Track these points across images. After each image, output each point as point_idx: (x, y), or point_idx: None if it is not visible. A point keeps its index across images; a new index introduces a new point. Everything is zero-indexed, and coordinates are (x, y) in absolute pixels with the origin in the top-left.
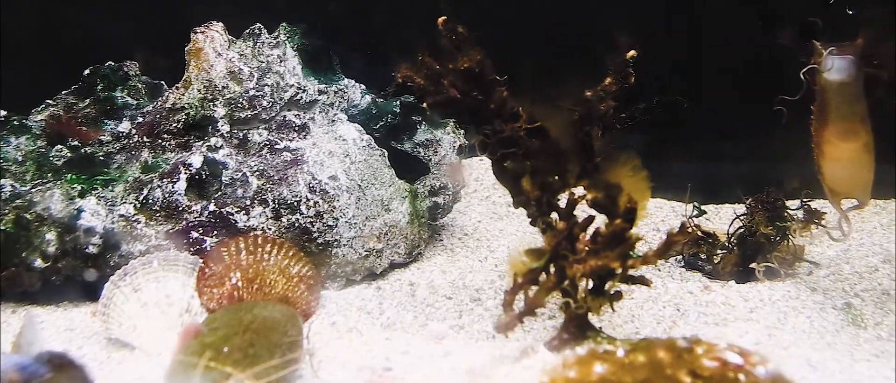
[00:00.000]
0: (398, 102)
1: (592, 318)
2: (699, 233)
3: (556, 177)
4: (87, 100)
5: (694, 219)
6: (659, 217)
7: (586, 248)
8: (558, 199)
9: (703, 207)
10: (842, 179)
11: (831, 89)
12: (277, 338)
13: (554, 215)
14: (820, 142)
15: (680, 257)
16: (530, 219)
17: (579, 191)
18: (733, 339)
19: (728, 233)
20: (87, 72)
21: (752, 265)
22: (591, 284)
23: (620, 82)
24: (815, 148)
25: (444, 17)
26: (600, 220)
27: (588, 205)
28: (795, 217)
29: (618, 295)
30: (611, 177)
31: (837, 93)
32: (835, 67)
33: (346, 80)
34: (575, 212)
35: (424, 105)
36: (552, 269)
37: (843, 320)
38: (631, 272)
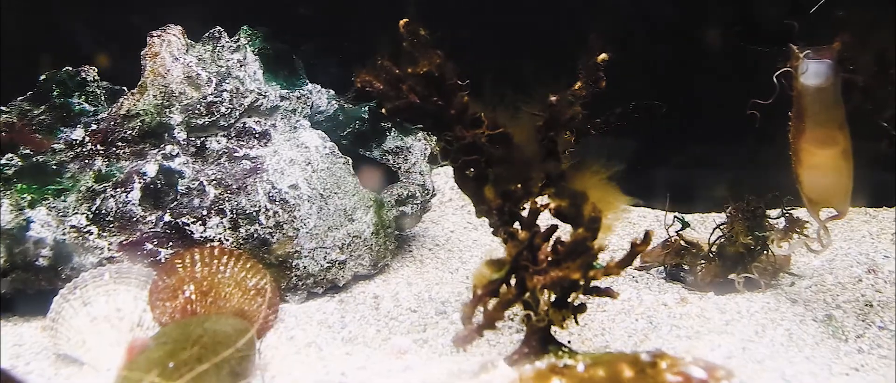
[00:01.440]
0: (367, 108)
1: (563, 332)
2: (682, 243)
3: (520, 186)
4: (43, 107)
5: (676, 229)
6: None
7: (548, 259)
8: (523, 208)
9: (689, 216)
10: (820, 187)
11: (808, 94)
12: (228, 353)
13: (517, 225)
14: (797, 150)
15: (662, 268)
16: (492, 229)
17: (544, 199)
18: (704, 353)
19: (708, 243)
20: (42, 77)
21: (732, 276)
22: (553, 297)
23: (591, 86)
24: (793, 155)
25: (405, 20)
26: (567, 231)
27: (551, 215)
28: (775, 226)
29: (582, 308)
30: (578, 184)
31: (814, 98)
32: (811, 71)
33: (310, 84)
34: (540, 222)
35: (383, 110)
36: (513, 281)
37: (824, 332)
38: (596, 283)
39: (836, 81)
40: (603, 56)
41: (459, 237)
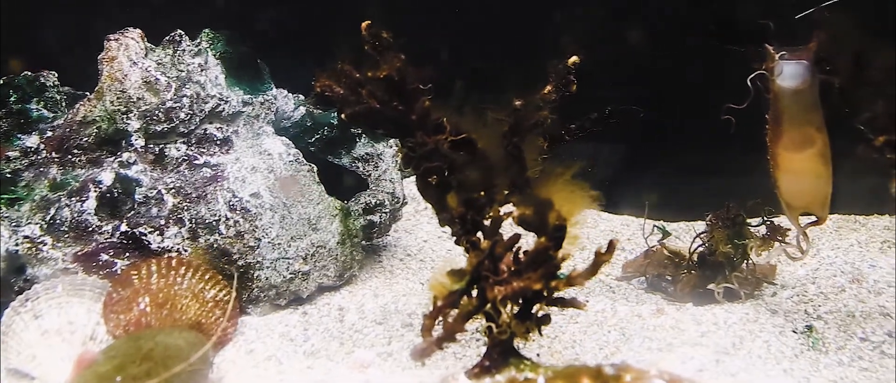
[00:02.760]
0: (336, 113)
1: (532, 344)
2: (665, 252)
3: (483, 193)
4: (0, 113)
5: (658, 238)
6: (625, 235)
7: (510, 269)
8: (487, 217)
9: (676, 224)
10: (799, 193)
11: (785, 97)
12: (179, 368)
13: (481, 234)
14: (775, 154)
15: (643, 278)
16: (455, 238)
17: (508, 207)
18: (674, 366)
19: (688, 253)
20: None
21: (711, 286)
22: (516, 308)
23: (561, 90)
24: (770, 160)
25: (367, 22)
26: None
27: (514, 223)
28: (756, 234)
29: (546, 320)
30: (544, 192)
31: (791, 100)
32: (787, 73)
33: (274, 89)
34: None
35: (342, 116)
36: (475, 292)
37: (804, 344)
38: (561, 294)
39: (813, 83)
40: (574, 59)
41: (433, 247)
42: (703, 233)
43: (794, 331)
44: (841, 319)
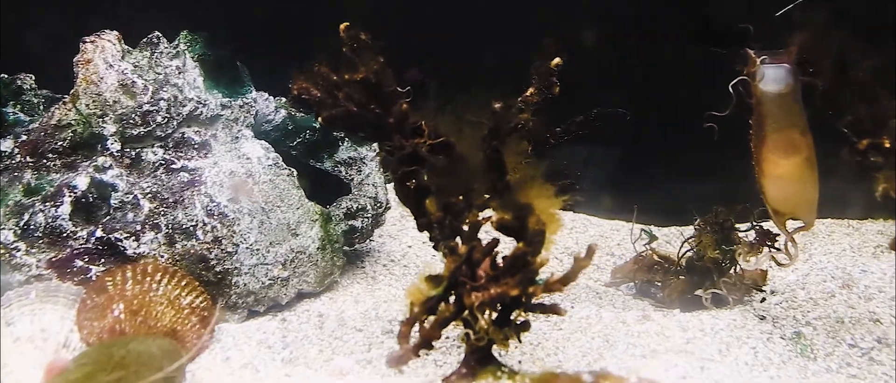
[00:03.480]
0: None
1: (513, 351)
2: (655, 257)
3: (461, 198)
4: None
5: (647, 243)
6: (615, 240)
7: (487, 275)
8: (466, 221)
9: (669, 229)
10: (785, 198)
11: (768, 101)
12: (151, 375)
13: (459, 239)
14: (759, 159)
15: (632, 284)
16: (433, 244)
17: (488, 212)
18: (657, 373)
19: (677, 258)
20: None
21: (699, 292)
22: (495, 314)
23: (544, 93)
24: (755, 165)
25: (345, 24)
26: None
27: (493, 228)
28: (744, 239)
29: (525, 326)
30: (524, 196)
31: (774, 105)
32: (769, 77)
33: (254, 92)
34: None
35: (319, 119)
36: (452, 298)
37: (791, 351)
38: (541, 300)
39: (795, 86)
40: (556, 61)
41: (417, 253)
42: (691, 238)
43: (782, 338)
44: (830, 325)
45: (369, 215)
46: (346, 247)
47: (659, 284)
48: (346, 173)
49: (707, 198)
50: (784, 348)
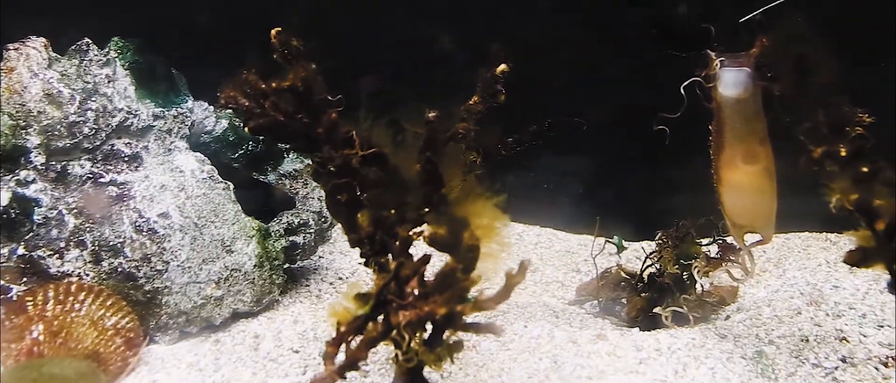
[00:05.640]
0: None
1: (456, 373)
2: (622, 274)
3: (393, 212)
4: None
5: (615, 255)
6: (582, 256)
7: (416, 292)
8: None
9: (638, 244)
10: (742, 209)
11: (727, 106)
12: None
13: (391, 256)
14: (718, 167)
15: (596, 302)
16: (364, 261)
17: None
18: None
19: (639, 273)
20: None
21: (657, 310)
22: (426, 334)
23: (488, 101)
24: (714, 174)
25: (277, 29)
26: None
27: (426, 243)
28: (705, 253)
29: (457, 346)
30: (461, 210)
31: (733, 110)
32: (728, 81)
33: (192, 102)
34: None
35: (246, 129)
36: (381, 317)
37: (752, 371)
38: (476, 320)
39: (755, 91)
40: (502, 67)
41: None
42: (653, 252)
43: (743, 357)
44: (794, 344)
45: (312, 230)
46: (287, 265)
47: (624, 301)
48: (292, 186)
49: (679, 212)
50: (744, 368)
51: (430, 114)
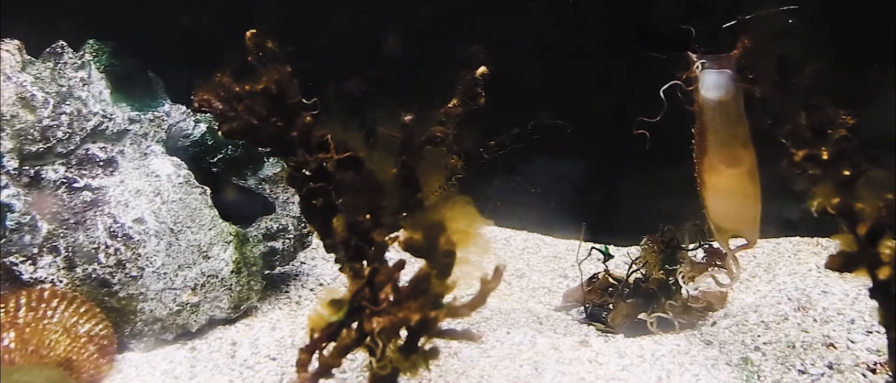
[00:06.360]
0: None
1: (436, 380)
2: (610, 279)
3: (368, 216)
4: None
5: (603, 260)
6: (569, 261)
7: (390, 298)
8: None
9: (626, 249)
10: (726, 213)
11: (708, 109)
12: None
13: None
14: (700, 171)
15: (583, 308)
16: (339, 267)
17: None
18: None
19: (625, 279)
20: None
21: (642, 316)
22: (401, 340)
23: (468, 104)
24: (697, 178)
25: (252, 31)
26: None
27: (401, 248)
28: (691, 259)
29: (433, 353)
30: (437, 215)
31: (715, 113)
32: (709, 83)
33: (169, 105)
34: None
35: (220, 133)
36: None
37: (737, 378)
38: (452, 326)
39: (737, 94)
40: (482, 69)
41: None
42: (638, 258)
43: (728, 364)
44: (780, 350)
45: (292, 236)
46: (266, 270)
47: (612, 308)
48: (272, 191)
49: (674, 214)
50: (729, 375)
51: (405, 118)
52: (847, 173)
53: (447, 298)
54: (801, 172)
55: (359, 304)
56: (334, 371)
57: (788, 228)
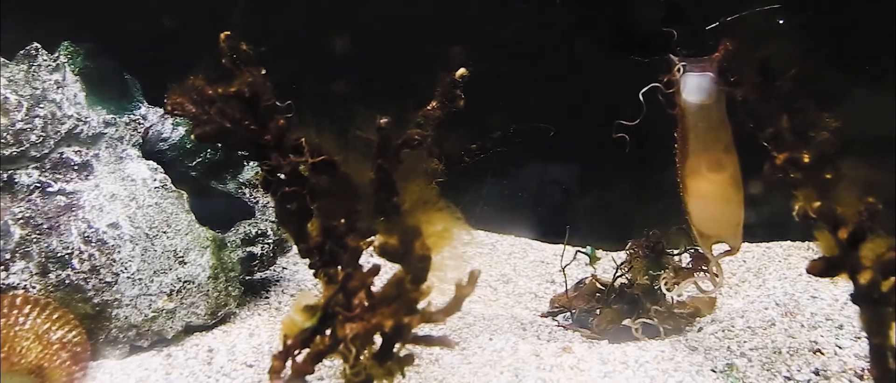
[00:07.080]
0: None
1: None
2: (597, 284)
3: (343, 221)
4: None
5: (591, 267)
6: (556, 267)
7: (363, 304)
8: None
9: (615, 254)
10: (709, 219)
11: (690, 113)
12: None
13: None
14: (683, 176)
15: (568, 314)
16: (313, 272)
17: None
18: None
19: (611, 284)
20: None
21: (627, 322)
22: (375, 346)
23: (447, 106)
24: (679, 182)
25: (226, 33)
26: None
27: (376, 253)
28: (676, 264)
29: (408, 360)
30: (414, 219)
31: (697, 117)
32: (691, 86)
33: (145, 108)
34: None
35: (193, 136)
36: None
37: None
38: (427, 332)
39: (719, 98)
40: (462, 71)
41: None
42: (623, 263)
43: (713, 370)
44: (766, 356)
45: (271, 241)
46: (245, 276)
47: (598, 313)
48: (252, 195)
49: (663, 219)
50: (714, 381)
51: (381, 121)
52: (828, 177)
53: (422, 304)
54: (783, 176)
55: (332, 310)
56: (308, 377)
57: (779, 232)
